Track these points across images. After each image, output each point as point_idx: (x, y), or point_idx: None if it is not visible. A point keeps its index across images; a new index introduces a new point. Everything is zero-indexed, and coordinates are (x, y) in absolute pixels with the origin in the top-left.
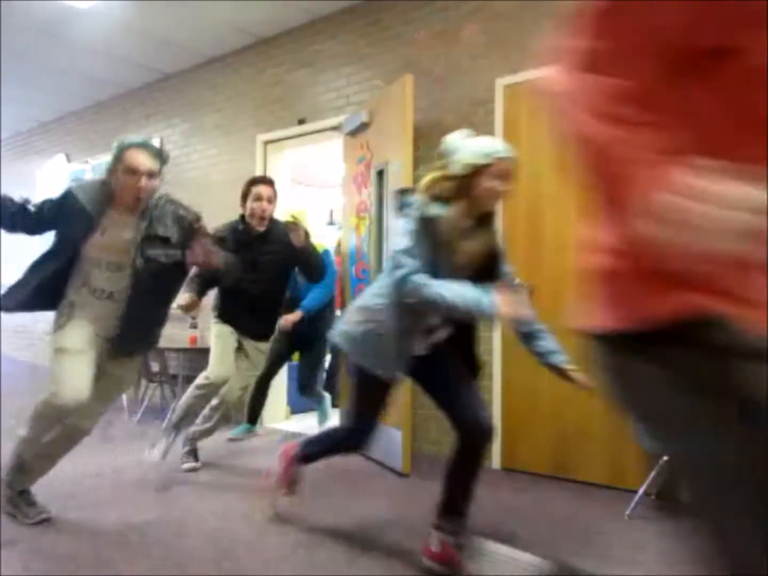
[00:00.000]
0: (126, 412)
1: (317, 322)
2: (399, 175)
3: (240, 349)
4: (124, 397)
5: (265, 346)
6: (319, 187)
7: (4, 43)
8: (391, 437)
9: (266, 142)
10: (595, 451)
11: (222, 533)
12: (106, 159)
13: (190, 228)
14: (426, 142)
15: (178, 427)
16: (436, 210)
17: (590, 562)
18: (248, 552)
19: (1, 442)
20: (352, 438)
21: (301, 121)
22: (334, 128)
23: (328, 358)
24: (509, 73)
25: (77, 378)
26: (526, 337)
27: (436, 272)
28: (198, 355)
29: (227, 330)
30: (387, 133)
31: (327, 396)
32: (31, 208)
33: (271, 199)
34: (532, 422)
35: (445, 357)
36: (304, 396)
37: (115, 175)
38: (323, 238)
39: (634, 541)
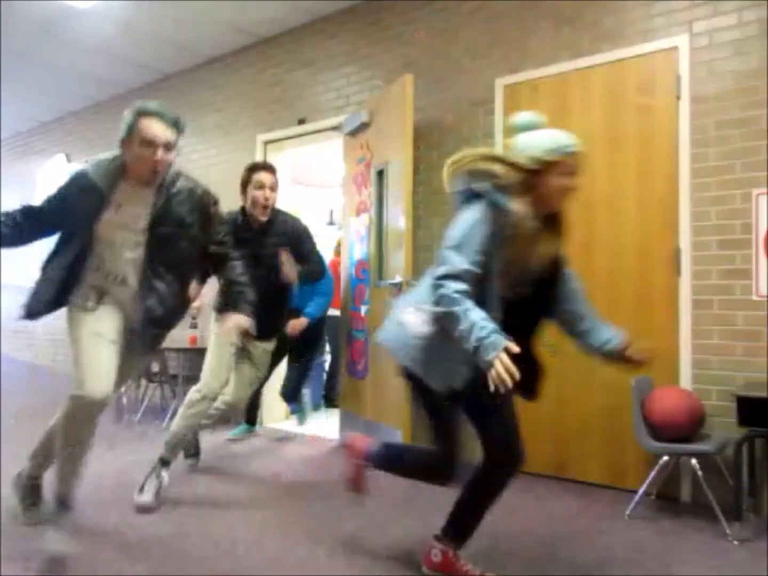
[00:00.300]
0: (126, 412)
1: (312, 326)
2: (399, 175)
3: (243, 350)
4: (123, 396)
5: (271, 346)
6: (319, 187)
7: (4, 43)
8: (391, 437)
9: (266, 142)
10: (595, 451)
11: (222, 533)
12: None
13: (207, 211)
14: (426, 142)
15: (168, 461)
16: (504, 201)
17: (590, 562)
18: (248, 552)
19: (0, 442)
20: (438, 466)
21: (301, 121)
22: (334, 128)
23: (328, 358)
24: (509, 73)
25: (107, 367)
26: (581, 334)
27: (486, 276)
28: (198, 355)
29: None
30: (387, 133)
31: (307, 394)
32: (36, 206)
33: (274, 187)
34: (532, 422)
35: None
36: (288, 403)
37: (129, 147)
38: (323, 238)
39: (634, 541)
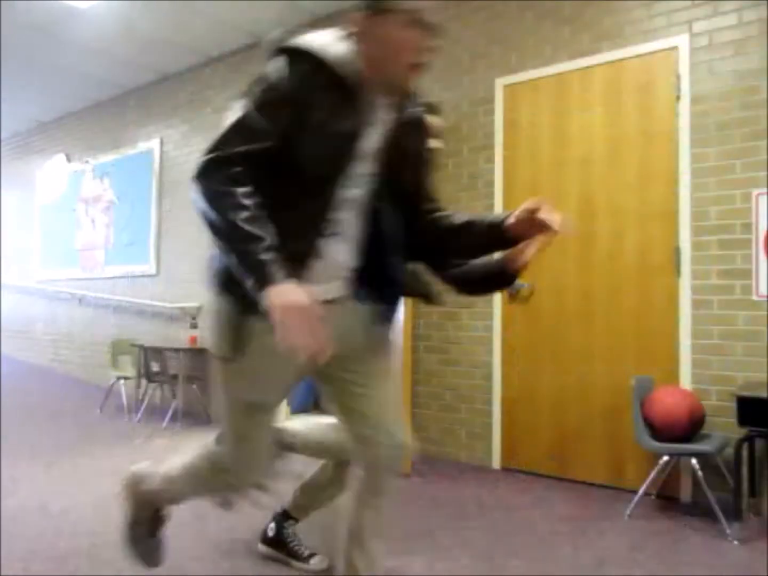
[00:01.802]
0: (126, 412)
1: None
2: None
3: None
4: (123, 396)
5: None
6: None
7: (4, 43)
8: None
9: None
10: (595, 451)
11: (222, 533)
12: (105, 159)
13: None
14: None
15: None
16: None
17: (590, 562)
18: (248, 552)
19: (1, 443)
20: None
21: None
22: None
23: None
24: (509, 73)
25: (265, 454)
26: None
27: None
28: (198, 355)
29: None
30: None
31: None
32: (257, 144)
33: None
34: (532, 422)
35: None
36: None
37: (378, 31)
38: None
39: (634, 541)
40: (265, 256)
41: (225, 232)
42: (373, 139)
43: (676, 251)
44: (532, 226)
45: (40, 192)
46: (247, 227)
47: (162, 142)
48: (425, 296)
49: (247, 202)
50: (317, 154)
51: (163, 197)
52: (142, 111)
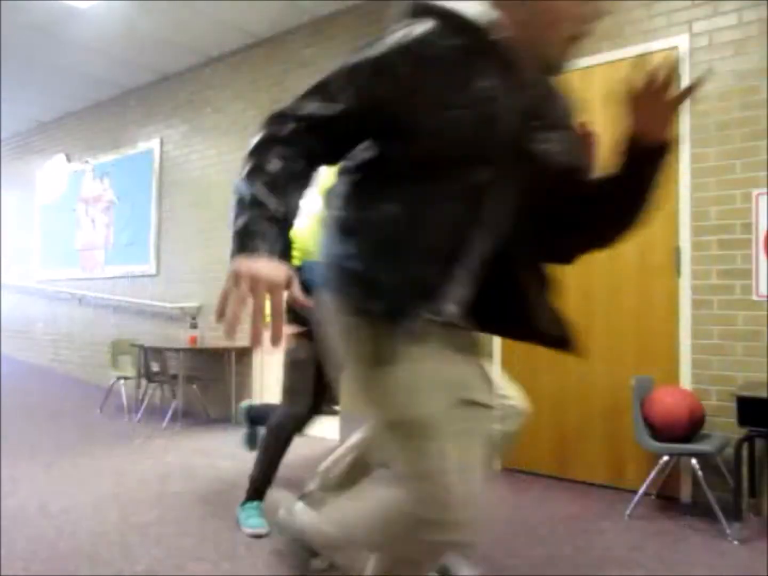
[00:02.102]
0: (126, 412)
1: None
2: None
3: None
4: (123, 396)
5: None
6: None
7: (4, 43)
8: None
9: None
10: (595, 451)
11: (222, 533)
12: (105, 159)
13: None
14: None
15: None
16: None
17: (590, 562)
18: (248, 552)
19: (1, 443)
20: None
21: None
22: None
23: None
24: None
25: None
26: None
27: None
28: (198, 355)
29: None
30: None
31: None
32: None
33: None
34: (532, 422)
35: None
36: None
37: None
38: None
39: (634, 541)
40: (256, 225)
41: (236, 187)
42: (516, 130)
43: (676, 251)
44: (649, 105)
45: (40, 192)
46: (255, 190)
47: (162, 142)
48: (560, 342)
49: (272, 165)
50: (447, 139)
51: (163, 197)
52: (142, 111)
